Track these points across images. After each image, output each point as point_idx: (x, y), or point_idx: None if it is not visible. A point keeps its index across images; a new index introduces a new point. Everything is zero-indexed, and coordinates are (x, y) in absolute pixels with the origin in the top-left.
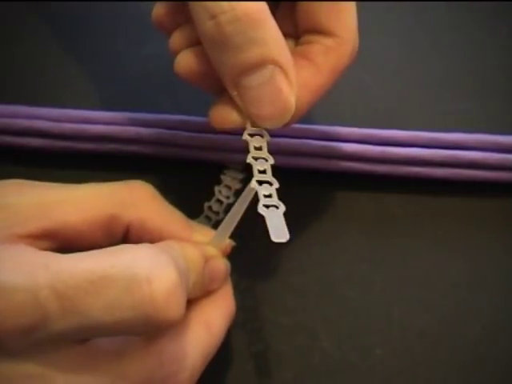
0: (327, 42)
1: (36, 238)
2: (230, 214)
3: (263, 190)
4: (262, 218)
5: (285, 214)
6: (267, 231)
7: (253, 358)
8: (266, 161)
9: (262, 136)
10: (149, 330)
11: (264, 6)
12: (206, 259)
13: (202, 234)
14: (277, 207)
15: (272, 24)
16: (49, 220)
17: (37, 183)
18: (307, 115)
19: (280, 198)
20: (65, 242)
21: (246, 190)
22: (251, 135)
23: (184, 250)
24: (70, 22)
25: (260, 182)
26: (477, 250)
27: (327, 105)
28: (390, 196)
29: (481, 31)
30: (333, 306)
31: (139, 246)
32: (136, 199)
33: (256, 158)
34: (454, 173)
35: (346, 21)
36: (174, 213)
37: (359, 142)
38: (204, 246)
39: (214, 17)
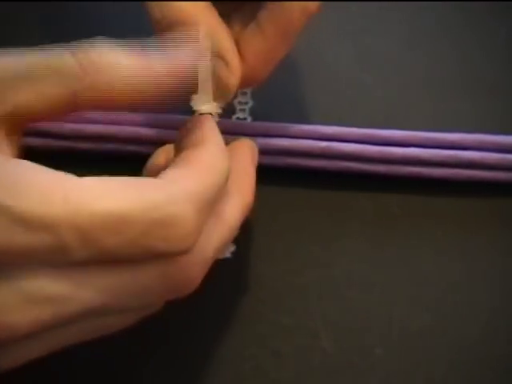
0: (271, 5)
1: None
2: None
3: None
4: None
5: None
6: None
7: (252, 358)
8: None
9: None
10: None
11: (197, 4)
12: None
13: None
14: None
15: (207, 20)
16: (5, 104)
17: None
18: (306, 115)
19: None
20: (25, 123)
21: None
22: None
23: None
24: (70, 21)
25: None
26: (476, 249)
27: (327, 105)
28: (390, 196)
29: (480, 31)
30: (333, 306)
31: (162, 185)
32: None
33: None
34: (453, 173)
35: None
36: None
37: (358, 141)
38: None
39: (157, 23)
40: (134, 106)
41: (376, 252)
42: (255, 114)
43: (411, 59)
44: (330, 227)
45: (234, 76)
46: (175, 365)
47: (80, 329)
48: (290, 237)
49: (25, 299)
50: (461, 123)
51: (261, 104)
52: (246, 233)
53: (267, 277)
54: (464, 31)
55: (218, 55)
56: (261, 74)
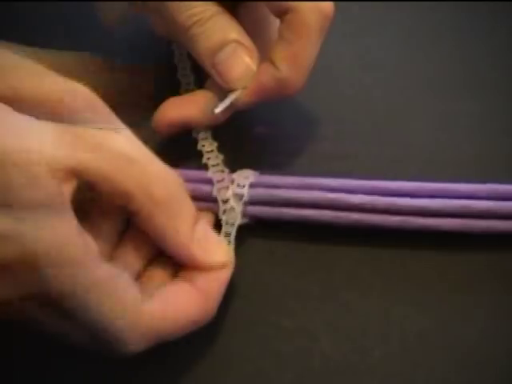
0: (289, 16)
1: None
2: None
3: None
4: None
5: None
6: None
7: (253, 360)
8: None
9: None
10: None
11: (210, 7)
12: None
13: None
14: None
15: (221, 17)
16: (5, 85)
17: None
18: (306, 115)
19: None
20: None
21: None
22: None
23: None
24: (70, 21)
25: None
26: (477, 251)
27: (327, 105)
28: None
29: (480, 31)
30: (333, 309)
31: (46, 128)
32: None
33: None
34: (463, 223)
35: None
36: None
37: (366, 193)
38: None
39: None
40: None
41: (375, 255)
42: (257, 112)
43: (411, 59)
44: (329, 230)
45: (254, 57)
46: (175, 366)
47: None
48: (291, 239)
49: None
50: (461, 123)
51: (262, 103)
52: (245, 235)
53: (267, 279)
54: (464, 31)
55: (238, 42)
56: (294, 81)
